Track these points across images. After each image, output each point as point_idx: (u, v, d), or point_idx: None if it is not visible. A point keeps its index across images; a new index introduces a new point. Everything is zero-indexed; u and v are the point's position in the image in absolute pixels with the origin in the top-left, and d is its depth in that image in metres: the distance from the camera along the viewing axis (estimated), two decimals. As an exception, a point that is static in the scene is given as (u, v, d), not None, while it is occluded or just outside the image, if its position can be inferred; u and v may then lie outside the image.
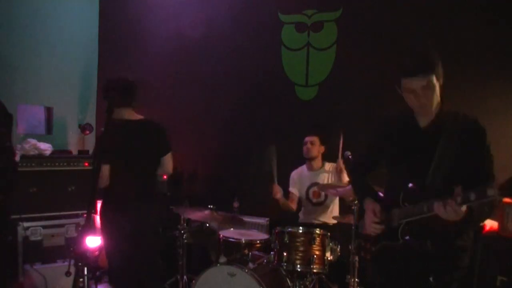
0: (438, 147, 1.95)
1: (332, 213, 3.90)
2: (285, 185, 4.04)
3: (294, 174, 4.07)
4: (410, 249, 2.02)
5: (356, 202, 2.97)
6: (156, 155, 3.04)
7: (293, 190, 4.02)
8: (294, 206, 4.00)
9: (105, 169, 2.78)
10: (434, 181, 1.94)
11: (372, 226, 2.14)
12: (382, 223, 2.11)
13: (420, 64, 1.93)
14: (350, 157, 3.61)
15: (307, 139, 3.94)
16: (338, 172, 3.84)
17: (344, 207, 3.94)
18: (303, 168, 4.05)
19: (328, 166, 3.98)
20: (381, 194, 2.29)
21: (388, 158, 2.21)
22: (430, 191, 1.92)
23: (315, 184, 3.90)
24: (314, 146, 3.91)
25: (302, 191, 3.97)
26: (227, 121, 4.78)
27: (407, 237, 1.99)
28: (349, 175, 2.40)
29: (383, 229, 2.11)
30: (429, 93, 1.95)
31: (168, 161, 3.08)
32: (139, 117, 3.00)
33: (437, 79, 1.95)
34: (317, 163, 3.98)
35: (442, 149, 1.94)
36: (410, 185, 2.00)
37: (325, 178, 3.93)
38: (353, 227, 3.00)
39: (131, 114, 2.96)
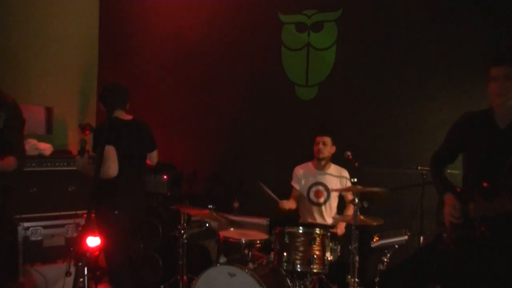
0: None
1: (331, 213, 3.89)
2: (285, 184, 4.03)
3: (299, 169, 3.99)
4: (486, 240, 2.12)
5: (356, 202, 2.96)
6: (146, 151, 3.34)
7: (296, 185, 3.97)
8: (294, 204, 3.93)
9: (112, 150, 2.95)
10: (509, 180, 2.03)
11: (450, 219, 2.27)
12: (459, 218, 2.23)
13: (508, 54, 2.03)
14: (350, 157, 3.62)
15: (319, 139, 3.84)
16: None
17: (343, 208, 3.95)
18: (309, 164, 3.99)
19: (334, 168, 3.92)
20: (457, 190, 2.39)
21: (466, 154, 2.32)
22: (504, 189, 2.02)
23: (319, 183, 3.87)
24: (326, 147, 3.82)
25: (303, 188, 3.92)
26: (227, 121, 4.78)
27: (483, 228, 2.11)
28: (430, 169, 2.54)
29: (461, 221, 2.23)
30: (510, 84, 2.03)
31: (155, 156, 3.44)
32: (129, 117, 3.20)
33: None
34: (325, 163, 3.90)
35: None
36: (485, 183, 2.11)
37: (330, 180, 3.87)
38: (353, 227, 2.99)
39: (123, 115, 3.17)
